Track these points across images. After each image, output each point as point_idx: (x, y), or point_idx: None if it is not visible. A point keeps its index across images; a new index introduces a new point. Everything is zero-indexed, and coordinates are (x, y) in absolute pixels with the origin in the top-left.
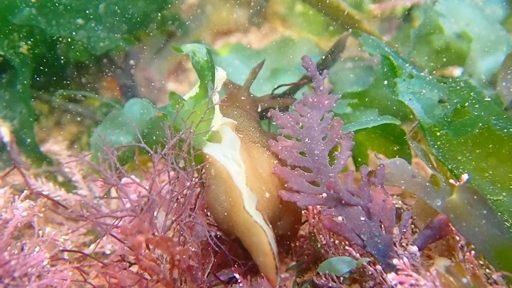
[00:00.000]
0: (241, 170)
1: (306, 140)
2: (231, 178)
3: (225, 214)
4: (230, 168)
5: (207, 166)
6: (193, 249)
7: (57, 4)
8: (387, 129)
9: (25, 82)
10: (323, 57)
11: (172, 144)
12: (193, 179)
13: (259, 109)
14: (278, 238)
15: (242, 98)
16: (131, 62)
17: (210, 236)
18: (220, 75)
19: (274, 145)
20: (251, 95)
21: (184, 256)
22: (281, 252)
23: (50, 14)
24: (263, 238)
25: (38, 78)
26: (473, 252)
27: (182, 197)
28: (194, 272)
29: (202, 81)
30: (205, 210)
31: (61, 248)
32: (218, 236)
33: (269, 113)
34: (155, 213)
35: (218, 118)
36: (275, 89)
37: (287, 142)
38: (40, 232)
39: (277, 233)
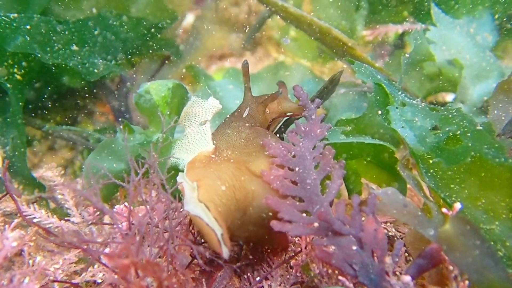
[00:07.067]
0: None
1: (298, 169)
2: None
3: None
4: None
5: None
6: (182, 277)
7: (51, 32)
8: (380, 157)
9: (18, 108)
10: (317, 92)
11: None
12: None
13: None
14: (251, 236)
15: (245, 115)
16: (125, 87)
17: (199, 254)
18: (211, 104)
19: (266, 175)
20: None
21: (173, 283)
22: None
23: (44, 41)
24: (202, 224)
25: (31, 104)
26: (467, 282)
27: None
28: None
29: (151, 118)
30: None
31: (51, 278)
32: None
33: (261, 141)
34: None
35: (206, 144)
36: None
37: (279, 171)
38: (31, 261)
39: (246, 228)
